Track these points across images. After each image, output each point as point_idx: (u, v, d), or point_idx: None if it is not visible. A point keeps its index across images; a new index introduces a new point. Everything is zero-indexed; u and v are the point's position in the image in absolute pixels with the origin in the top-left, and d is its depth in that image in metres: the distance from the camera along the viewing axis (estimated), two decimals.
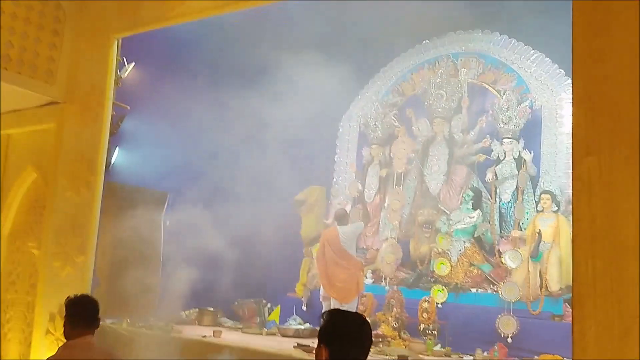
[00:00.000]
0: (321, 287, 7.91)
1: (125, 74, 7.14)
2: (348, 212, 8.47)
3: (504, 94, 8.25)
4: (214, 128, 7.74)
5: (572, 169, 1.91)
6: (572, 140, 2.02)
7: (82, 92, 6.13)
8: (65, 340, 3.43)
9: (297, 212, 9.10)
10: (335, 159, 9.87)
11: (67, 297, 3.47)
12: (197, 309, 8.03)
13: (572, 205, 1.86)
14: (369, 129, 9.33)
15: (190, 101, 7.58)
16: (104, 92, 6.11)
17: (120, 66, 7.01)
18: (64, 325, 3.40)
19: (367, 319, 2.35)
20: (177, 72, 7.99)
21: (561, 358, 5.96)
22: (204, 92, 7.84)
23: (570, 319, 6.55)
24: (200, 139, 7.61)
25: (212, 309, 8.07)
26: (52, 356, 3.38)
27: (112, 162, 7.43)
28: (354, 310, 7.20)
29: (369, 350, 2.25)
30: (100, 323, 3.49)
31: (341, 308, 2.47)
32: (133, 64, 7.34)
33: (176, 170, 7.84)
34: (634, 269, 1.59)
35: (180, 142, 7.82)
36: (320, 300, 7.86)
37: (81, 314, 3.38)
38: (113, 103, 6.32)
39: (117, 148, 7.63)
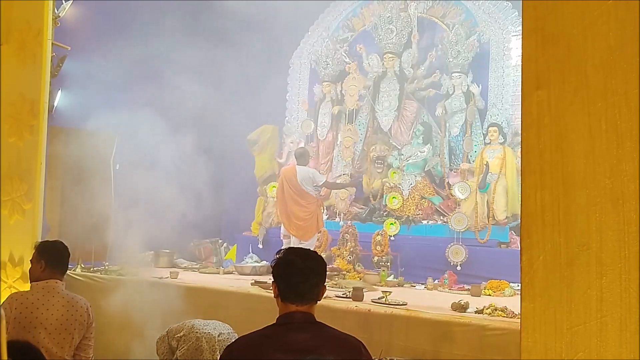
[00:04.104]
0: (282, 225, 7.97)
1: (63, 13, 6.78)
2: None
3: (452, 28, 8.26)
4: (161, 67, 7.51)
5: (522, 103, 1.93)
6: (522, 73, 2.02)
7: (18, 31, 5.80)
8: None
9: (250, 151, 9.05)
10: (287, 97, 9.77)
11: (42, 242, 3.66)
12: (152, 252, 8.00)
13: (521, 138, 1.90)
14: (320, 65, 9.22)
15: (135, 39, 7.27)
16: (41, 32, 5.80)
17: (58, 5, 6.64)
18: (35, 269, 3.49)
19: (315, 253, 2.44)
20: (119, 8, 7.64)
21: (507, 283, 6.25)
22: (147, 28, 7.53)
23: (516, 246, 6.80)
24: (148, 78, 7.35)
25: (167, 250, 8.05)
26: (16, 292, 3.59)
27: (55, 106, 7.15)
28: (313, 247, 7.36)
29: (319, 284, 2.33)
30: None
31: (300, 245, 2.52)
32: (71, 1, 6.96)
33: (125, 111, 7.59)
34: (580, 200, 1.66)
35: (127, 82, 7.54)
36: (281, 238, 7.93)
37: (55, 258, 3.49)
38: (52, 43, 6.01)
39: (60, 91, 7.33)
